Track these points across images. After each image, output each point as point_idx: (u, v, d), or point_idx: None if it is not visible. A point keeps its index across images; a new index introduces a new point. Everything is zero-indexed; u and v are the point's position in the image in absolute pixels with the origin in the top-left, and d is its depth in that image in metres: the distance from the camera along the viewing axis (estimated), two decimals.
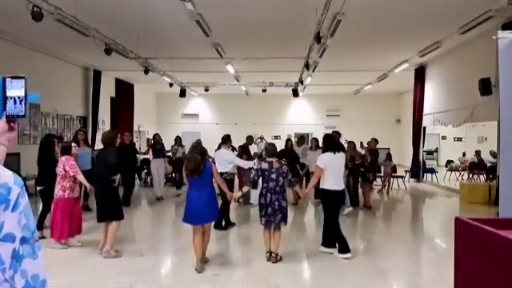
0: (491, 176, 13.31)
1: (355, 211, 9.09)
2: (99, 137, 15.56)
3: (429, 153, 20.61)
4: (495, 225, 2.41)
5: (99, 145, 8.27)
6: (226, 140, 8.03)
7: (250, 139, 10.87)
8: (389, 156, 12.96)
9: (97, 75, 15.82)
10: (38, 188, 6.88)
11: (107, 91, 16.97)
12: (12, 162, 9.55)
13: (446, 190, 13.42)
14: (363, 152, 10.95)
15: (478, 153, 15.73)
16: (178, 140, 12.85)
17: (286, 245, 6.01)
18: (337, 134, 9.30)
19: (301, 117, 24.18)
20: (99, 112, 15.90)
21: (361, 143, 11.44)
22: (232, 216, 8.00)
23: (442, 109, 13.48)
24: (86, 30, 9.08)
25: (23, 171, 9.89)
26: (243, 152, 9.95)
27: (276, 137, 21.80)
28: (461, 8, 8.63)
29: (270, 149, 5.78)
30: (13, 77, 1.12)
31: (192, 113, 24.54)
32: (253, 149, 11.60)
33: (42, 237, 6.20)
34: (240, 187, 7.26)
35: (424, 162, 15.96)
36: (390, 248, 6.40)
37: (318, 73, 14.67)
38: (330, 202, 5.77)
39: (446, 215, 9.58)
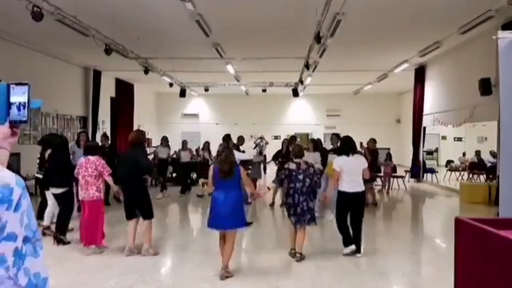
0: (491, 176, 13.31)
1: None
2: (99, 137, 15.63)
3: (429, 153, 20.58)
4: (495, 225, 2.41)
5: None
6: (226, 139, 8.11)
7: (241, 140, 10.48)
8: (389, 156, 12.97)
9: (97, 75, 15.82)
10: (56, 191, 6.36)
11: (107, 91, 16.96)
12: (12, 162, 9.56)
13: (446, 190, 13.42)
14: (362, 152, 11.00)
15: (478, 153, 15.71)
16: (163, 140, 12.24)
17: (286, 245, 6.00)
18: (336, 136, 9.37)
19: (301, 117, 24.19)
20: (99, 112, 15.91)
21: (361, 143, 11.46)
22: None
23: (442, 109, 13.47)
24: (86, 30, 9.08)
25: (23, 171, 9.90)
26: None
27: (276, 137, 21.81)
28: (461, 8, 8.63)
29: (297, 150, 5.90)
30: (17, 84, 1.15)
31: (192, 113, 24.54)
32: (248, 148, 11.53)
33: (68, 242, 6.12)
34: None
35: (424, 162, 15.95)
36: (390, 248, 6.40)
37: (318, 73, 14.67)
38: (343, 203, 5.86)
39: (446, 215, 9.58)
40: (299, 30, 10.12)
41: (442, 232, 7.89)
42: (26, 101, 1.14)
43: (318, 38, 8.93)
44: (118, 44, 10.79)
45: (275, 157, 10.47)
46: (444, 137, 21.75)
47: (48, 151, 6.83)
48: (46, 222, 6.63)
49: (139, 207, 5.70)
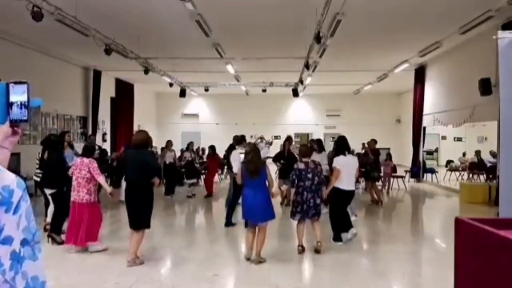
0: (491, 176, 13.31)
1: (359, 209, 9.06)
2: (99, 137, 15.64)
3: (429, 153, 20.58)
4: (495, 225, 2.41)
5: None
6: (241, 140, 8.14)
7: (239, 141, 9.79)
8: (389, 156, 12.97)
9: (97, 75, 15.83)
10: (48, 191, 6.49)
11: (107, 91, 16.97)
12: (12, 162, 9.51)
13: (446, 190, 13.42)
14: (364, 152, 11.15)
15: (478, 153, 15.71)
16: (169, 144, 12.14)
17: (286, 245, 6.01)
18: (316, 142, 9.45)
19: (301, 117, 24.19)
20: (99, 112, 15.91)
21: (363, 144, 11.53)
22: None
23: (442, 109, 13.48)
24: (86, 30, 9.08)
25: (23, 171, 9.90)
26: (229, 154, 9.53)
27: (276, 137, 21.78)
28: (461, 8, 8.63)
29: (303, 150, 6.17)
30: (16, 83, 1.15)
31: (192, 113, 24.55)
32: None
33: (62, 242, 6.11)
34: None
35: (424, 162, 15.96)
36: (390, 248, 6.39)
37: (318, 73, 14.66)
38: (340, 200, 6.27)
39: (446, 215, 9.58)
40: (299, 30, 10.12)
41: (442, 232, 7.89)
42: (26, 100, 1.14)
43: (318, 38, 8.93)
44: (118, 44, 10.79)
45: (276, 159, 10.41)
46: (444, 137, 21.75)
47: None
48: (48, 219, 6.70)
49: (141, 213, 5.27)
